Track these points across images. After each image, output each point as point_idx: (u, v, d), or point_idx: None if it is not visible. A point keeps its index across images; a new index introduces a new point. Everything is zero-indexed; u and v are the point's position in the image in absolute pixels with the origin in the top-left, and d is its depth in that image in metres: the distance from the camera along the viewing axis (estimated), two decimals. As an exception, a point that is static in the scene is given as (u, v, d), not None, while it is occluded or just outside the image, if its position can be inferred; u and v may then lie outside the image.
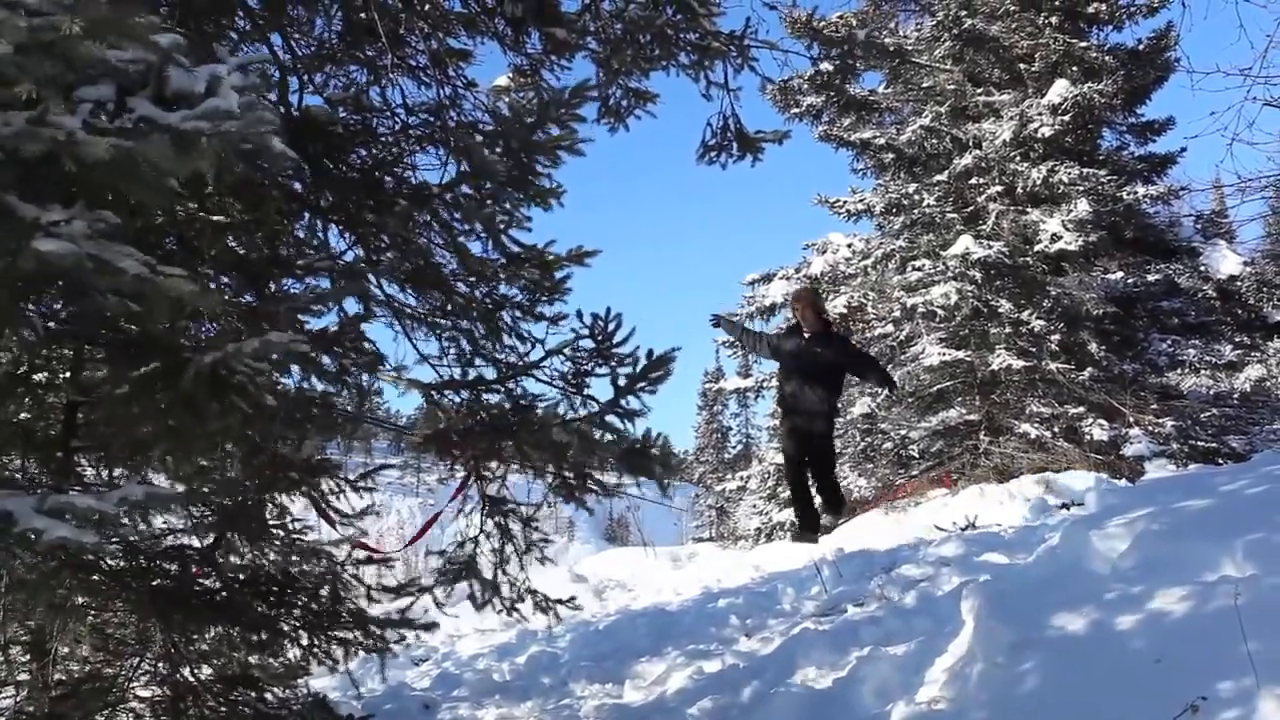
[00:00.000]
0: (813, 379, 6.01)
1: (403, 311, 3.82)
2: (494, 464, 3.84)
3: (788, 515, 21.52)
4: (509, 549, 4.17)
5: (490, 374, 3.76)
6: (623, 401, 3.46)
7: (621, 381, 3.45)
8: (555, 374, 3.64)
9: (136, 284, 1.74)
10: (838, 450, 18.20)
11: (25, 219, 1.67)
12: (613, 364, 3.52)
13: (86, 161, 1.64)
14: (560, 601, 4.56)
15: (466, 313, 3.74)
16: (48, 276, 1.82)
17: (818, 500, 6.50)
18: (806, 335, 6.11)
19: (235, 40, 3.85)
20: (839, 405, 6.43)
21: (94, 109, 1.77)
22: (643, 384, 3.45)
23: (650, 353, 3.53)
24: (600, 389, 3.61)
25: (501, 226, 3.24)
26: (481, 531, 4.10)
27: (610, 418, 3.46)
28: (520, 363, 3.72)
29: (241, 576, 3.74)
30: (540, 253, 3.48)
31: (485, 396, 3.62)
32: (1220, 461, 12.40)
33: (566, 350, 3.58)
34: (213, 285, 3.48)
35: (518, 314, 3.76)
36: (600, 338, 3.55)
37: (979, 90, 13.86)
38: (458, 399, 3.65)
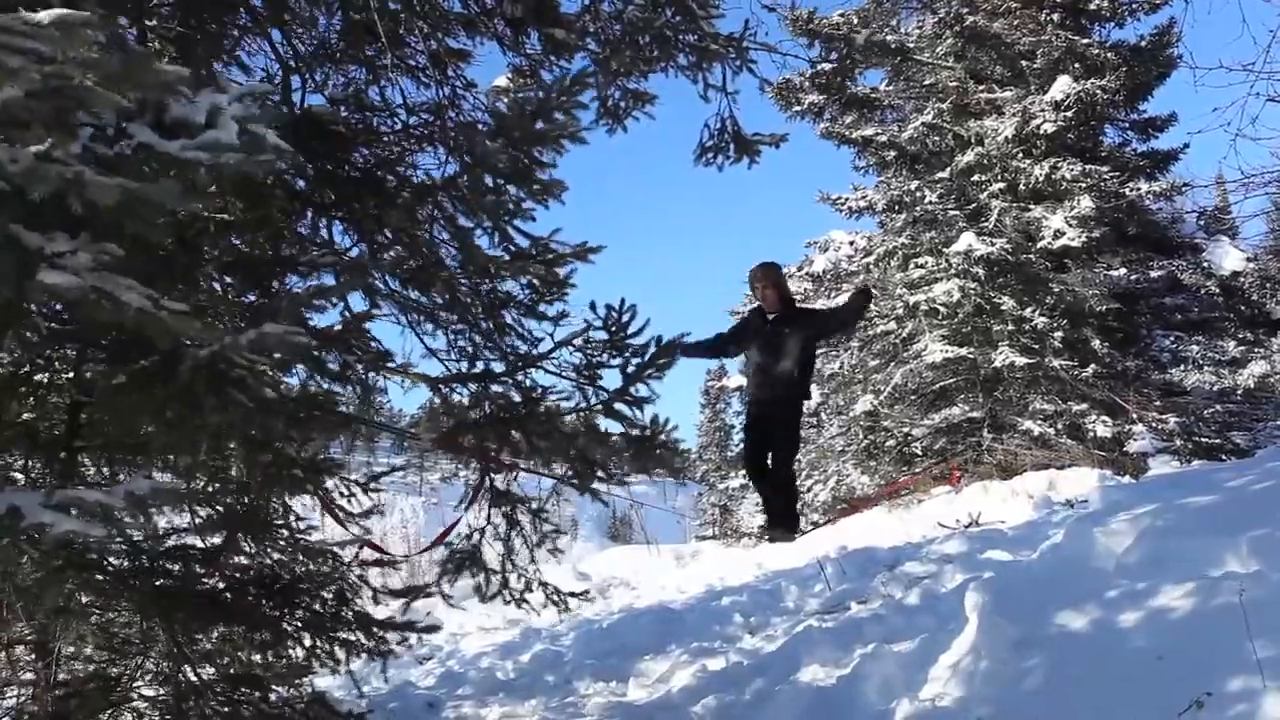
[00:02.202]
0: (780, 361, 5.55)
1: (408, 306, 3.82)
2: (504, 457, 3.83)
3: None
4: (517, 540, 4.18)
5: (498, 367, 3.76)
6: (631, 389, 3.47)
7: (630, 369, 3.46)
8: (566, 366, 3.64)
9: (139, 317, 1.75)
10: (840, 448, 18.22)
11: (30, 249, 1.68)
12: (626, 355, 3.52)
13: (95, 203, 1.64)
14: (572, 594, 4.56)
15: (470, 309, 3.75)
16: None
17: (775, 507, 6.01)
18: (771, 317, 5.67)
19: (236, 37, 3.86)
20: (809, 390, 5.76)
21: (93, 135, 1.78)
22: (651, 371, 3.46)
23: (659, 339, 3.56)
24: (611, 380, 3.63)
25: (505, 217, 3.22)
26: (489, 523, 4.10)
27: (619, 405, 3.47)
28: (529, 354, 3.72)
29: (244, 576, 3.74)
30: (545, 246, 3.47)
31: (493, 389, 3.62)
32: (1224, 458, 12.38)
33: (577, 341, 3.58)
34: (216, 288, 3.49)
35: (520, 313, 3.76)
36: (614, 329, 3.55)
37: (981, 87, 13.84)
38: (465, 392, 3.65)
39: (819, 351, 6.02)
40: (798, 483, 6.59)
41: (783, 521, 5.75)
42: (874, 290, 5.60)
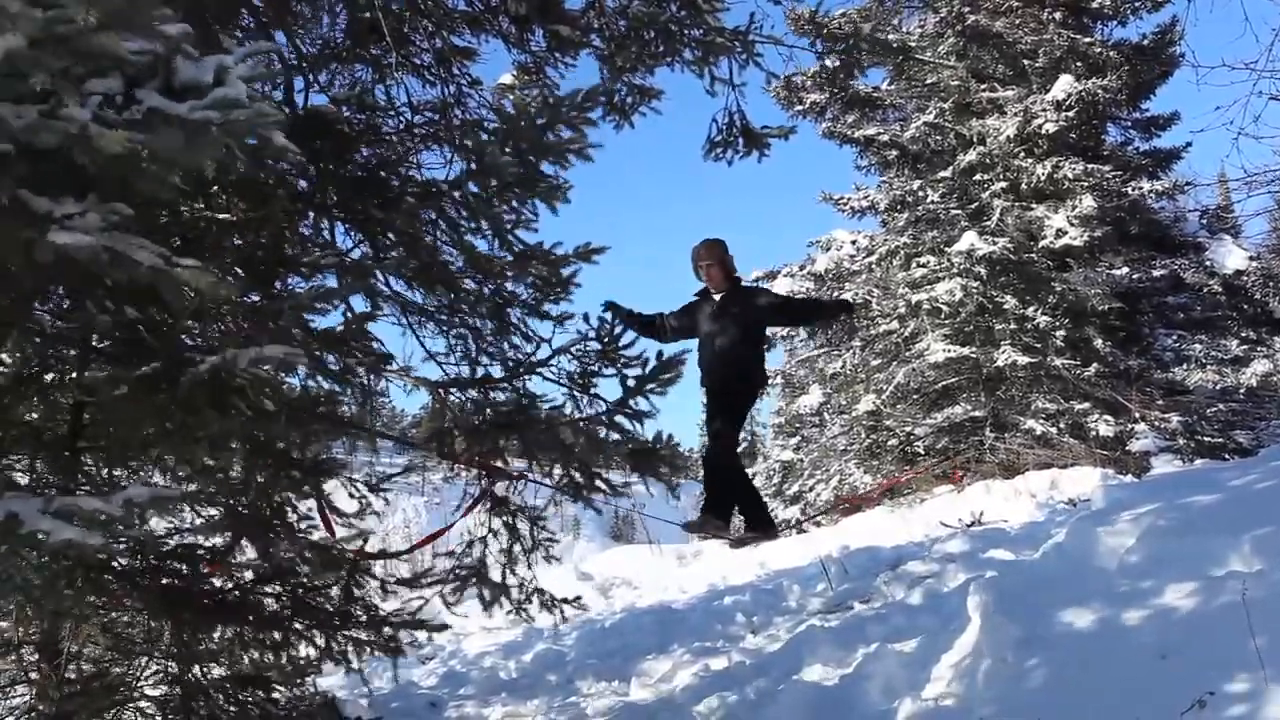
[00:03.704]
0: (731, 342, 5.14)
1: (410, 308, 3.83)
2: (501, 463, 3.85)
3: (793, 513, 21.50)
4: (517, 548, 4.18)
5: (497, 372, 3.77)
6: (632, 402, 3.47)
7: (631, 383, 3.47)
8: (562, 373, 3.65)
9: (152, 275, 1.75)
10: (842, 448, 18.19)
11: (39, 212, 1.68)
12: (618, 366, 3.54)
13: (100, 155, 1.64)
14: (566, 601, 4.57)
15: (474, 310, 3.76)
16: (61, 271, 1.83)
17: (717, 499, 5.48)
18: (717, 297, 5.27)
19: (240, 39, 3.86)
20: (764, 373, 5.30)
21: (102, 101, 1.77)
22: (652, 385, 3.45)
23: (660, 354, 3.55)
24: (608, 388, 3.64)
25: (509, 226, 3.24)
26: (490, 531, 4.12)
27: (619, 418, 3.48)
28: (528, 361, 3.74)
29: (251, 576, 3.75)
30: (547, 251, 3.48)
31: (492, 394, 3.63)
32: (1227, 457, 12.37)
33: (574, 349, 3.60)
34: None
35: (524, 312, 3.77)
36: (605, 340, 3.57)
37: (983, 86, 13.83)
38: (464, 397, 3.67)
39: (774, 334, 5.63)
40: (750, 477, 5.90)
41: (756, 523, 5.40)
42: (858, 306, 5.17)
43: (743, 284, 5.42)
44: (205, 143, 1.74)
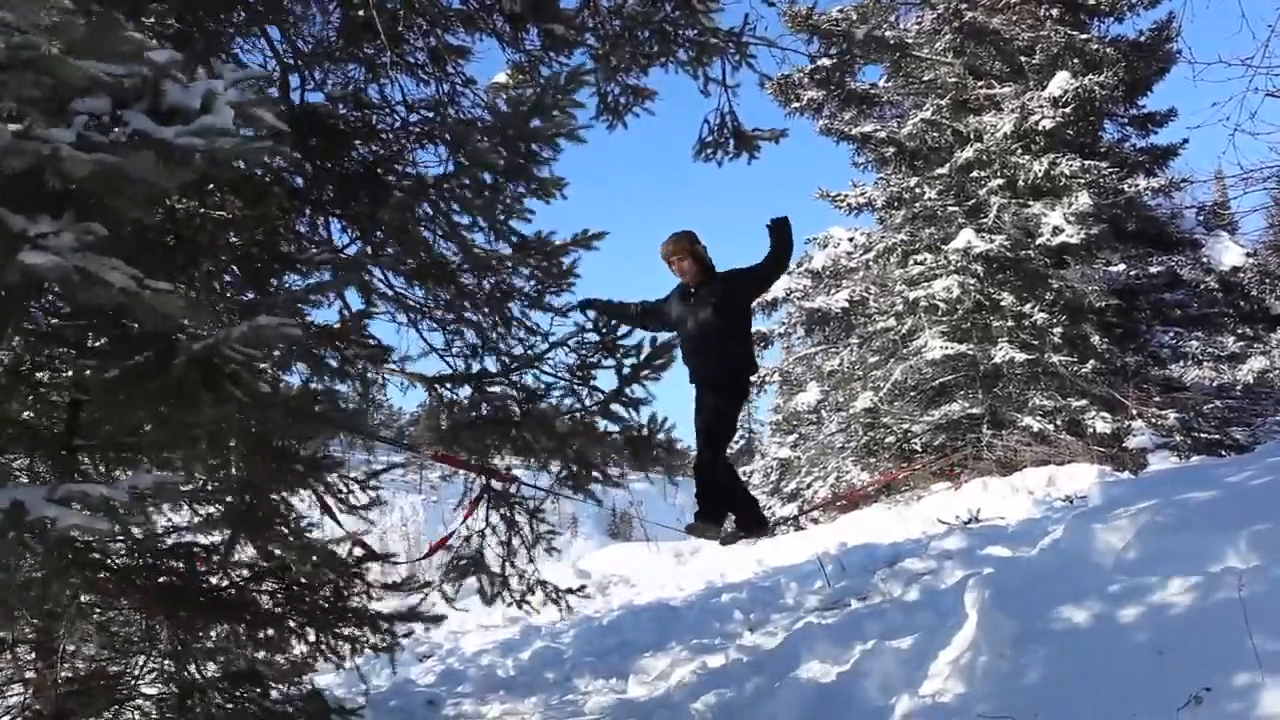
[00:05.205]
0: (710, 335, 4.90)
1: (407, 305, 3.83)
2: (499, 459, 3.86)
3: (791, 510, 21.49)
4: (516, 541, 4.19)
5: (494, 367, 3.77)
6: (627, 390, 3.49)
7: (626, 371, 3.48)
8: (561, 366, 3.66)
9: (123, 297, 1.74)
10: (840, 445, 18.19)
11: (12, 230, 1.67)
12: (618, 356, 3.55)
13: (71, 177, 1.63)
14: (570, 591, 4.56)
15: (474, 304, 3.76)
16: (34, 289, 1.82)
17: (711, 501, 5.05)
18: (693, 289, 5.04)
19: (233, 35, 3.86)
20: (752, 360, 5.05)
21: (88, 121, 1.77)
22: (646, 372, 3.48)
23: (654, 340, 3.60)
24: (606, 380, 3.67)
25: (501, 217, 3.23)
26: (488, 525, 4.12)
27: (615, 406, 3.49)
28: (524, 355, 3.75)
29: (247, 573, 3.74)
30: (545, 241, 3.48)
31: (490, 389, 3.63)
32: (1223, 453, 12.38)
33: (571, 342, 3.61)
34: (213, 285, 3.48)
35: (526, 304, 3.78)
36: (605, 330, 3.59)
37: (980, 83, 13.83)
38: (459, 393, 3.66)
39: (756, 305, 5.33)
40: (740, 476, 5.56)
41: (748, 523, 5.24)
42: (787, 216, 4.81)
43: (719, 272, 5.08)
44: (186, 166, 1.74)
